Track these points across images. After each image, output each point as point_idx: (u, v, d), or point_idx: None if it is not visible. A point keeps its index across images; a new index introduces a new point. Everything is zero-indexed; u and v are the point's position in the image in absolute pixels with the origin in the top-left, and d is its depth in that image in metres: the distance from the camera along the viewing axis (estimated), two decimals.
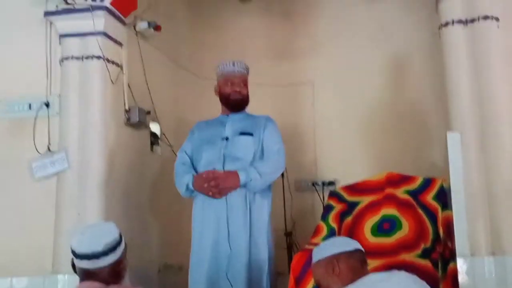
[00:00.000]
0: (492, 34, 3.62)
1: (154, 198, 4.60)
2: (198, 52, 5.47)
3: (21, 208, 3.93)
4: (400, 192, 3.84)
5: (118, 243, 2.44)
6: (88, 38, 4.02)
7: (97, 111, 3.97)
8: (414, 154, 4.82)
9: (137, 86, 4.39)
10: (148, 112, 4.45)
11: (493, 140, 3.48)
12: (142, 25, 4.51)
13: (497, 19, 3.61)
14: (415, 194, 3.81)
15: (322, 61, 5.36)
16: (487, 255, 3.35)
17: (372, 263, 2.78)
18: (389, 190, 3.87)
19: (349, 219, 3.86)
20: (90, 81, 4.01)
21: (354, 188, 4.05)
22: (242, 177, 3.70)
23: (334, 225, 3.86)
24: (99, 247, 2.37)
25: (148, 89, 4.52)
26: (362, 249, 2.65)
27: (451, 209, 3.43)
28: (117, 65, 4.18)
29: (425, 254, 3.49)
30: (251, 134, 3.87)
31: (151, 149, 4.69)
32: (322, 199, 4.86)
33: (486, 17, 3.60)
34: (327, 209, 4.02)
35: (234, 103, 3.97)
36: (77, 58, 4.02)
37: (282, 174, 4.73)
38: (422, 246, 3.54)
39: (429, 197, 3.75)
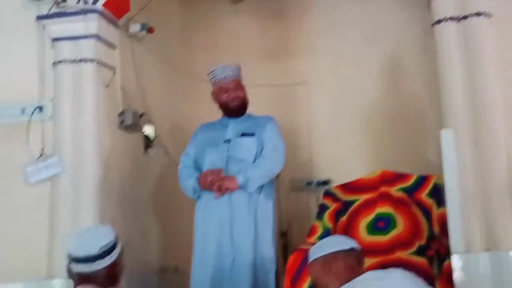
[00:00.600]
0: (485, 30, 3.62)
1: (149, 200, 4.60)
2: (191, 54, 5.46)
3: (15, 213, 3.91)
4: (395, 190, 3.86)
5: (114, 246, 2.44)
6: (81, 41, 4.01)
7: (90, 115, 3.96)
8: (409, 152, 4.82)
9: (130, 89, 4.38)
10: (142, 115, 4.44)
11: (487, 136, 3.48)
12: (135, 28, 4.50)
13: (489, 15, 3.62)
14: (409, 191, 3.82)
15: (316, 60, 5.36)
16: (482, 251, 3.35)
17: (367, 261, 2.78)
18: (383, 188, 3.89)
19: (344, 218, 3.87)
20: (83, 85, 4.00)
21: (349, 187, 4.06)
22: (240, 179, 3.72)
23: (329, 224, 3.87)
24: (95, 250, 2.37)
25: (142, 91, 4.51)
26: (359, 247, 2.66)
27: (445, 206, 3.45)
28: (110, 68, 4.17)
29: (420, 252, 3.50)
30: (252, 135, 3.90)
31: (145, 151, 4.68)
32: (317, 199, 4.85)
33: (478, 14, 3.60)
34: (322, 208, 4.03)
35: (235, 109, 4.00)
36: (70, 61, 4.01)
37: (277, 174, 4.73)
38: (417, 243, 3.55)
39: (424, 195, 3.77)
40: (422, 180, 3.86)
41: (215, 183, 3.73)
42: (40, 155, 3.93)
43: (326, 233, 3.76)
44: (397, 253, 3.51)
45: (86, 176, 3.89)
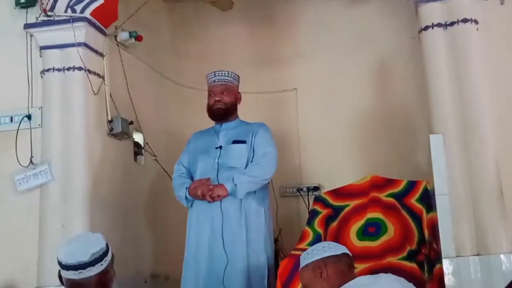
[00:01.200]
0: (472, 36, 3.65)
1: (140, 208, 4.59)
2: (180, 61, 5.46)
3: (4, 222, 3.90)
4: (385, 196, 3.87)
5: (105, 253, 2.43)
6: (69, 50, 4.01)
7: (79, 122, 3.95)
8: (399, 158, 4.83)
9: (119, 97, 4.37)
10: (131, 122, 4.43)
11: (476, 141, 3.50)
12: (123, 36, 4.50)
13: (476, 21, 3.64)
14: (399, 197, 3.84)
15: (305, 67, 5.37)
16: (472, 256, 3.36)
17: (358, 267, 2.80)
18: (373, 194, 3.90)
19: (334, 223, 3.87)
20: (72, 93, 3.99)
21: (339, 193, 4.07)
22: (228, 186, 3.72)
23: (320, 230, 3.87)
24: (85, 257, 2.36)
25: (131, 99, 4.51)
26: (350, 253, 2.67)
27: (435, 210, 3.46)
28: (99, 76, 4.17)
29: (410, 257, 3.51)
30: (244, 142, 3.89)
31: (135, 159, 4.67)
32: (307, 205, 4.86)
33: (465, 20, 3.63)
34: (313, 214, 4.03)
35: (217, 113, 3.99)
36: (58, 69, 4.01)
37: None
38: (408, 248, 3.56)
39: (414, 200, 3.78)
40: (411, 185, 3.87)
41: (206, 194, 3.73)
42: (29, 164, 3.92)
43: (317, 239, 3.76)
44: (388, 258, 3.52)
45: (75, 184, 3.87)
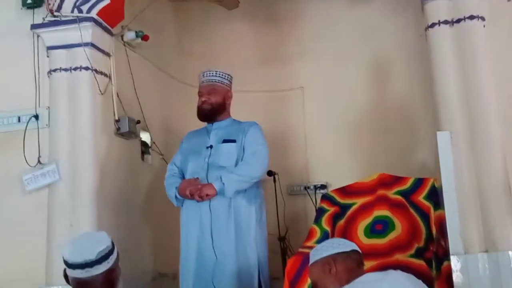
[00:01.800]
0: (478, 33, 3.64)
1: (147, 207, 4.59)
2: (186, 60, 5.47)
3: (12, 222, 3.91)
4: (392, 193, 3.86)
5: (111, 251, 2.43)
6: (76, 50, 4.02)
7: (86, 122, 3.97)
8: (405, 156, 4.83)
9: (126, 96, 4.38)
10: (138, 122, 4.45)
11: (483, 138, 3.49)
12: (129, 35, 4.52)
13: (482, 18, 3.64)
14: (407, 194, 3.83)
15: (311, 65, 5.38)
16: (481, 252, 3.35)
17: (366, 264, 2.78)
18: (381, 192, 3.89)
19: (342, 221, 3.87)
20: (79, 92, 4.00)
21: (346, 191, 4.07)
22: (216, 185, 3.72)
23: (327, 228, 3.87)
24: (92, 255, 2.36)
25: (138, 98, 4.52)
26: (359, 250, 2.67)
27: (443, 208, 3.46)
28: (106, 75, 4.18)
29: (418, 254, 3.51)
30: (234, 141, 3.88)
31: (142, 158, 4.68)
32: (314, 203, 4.86)
33: (472, 17, 3.62)
34: (320, 212, 4.03)
35: (203, 113, 3.99)
36: (65, 69, 4.02)
37: (274, 179, 4.73)
38: (416, 246, 3.55)
39: (421, 197, 3.77)
40: (419, 183, 3.86)
41: (195, 194, 3.73)
42: (37, 163, 3.93)
43: (324, 237, 3.76)
44: (396, 255, 3.52)
45: (83, 183, 3.89)
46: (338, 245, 2.63)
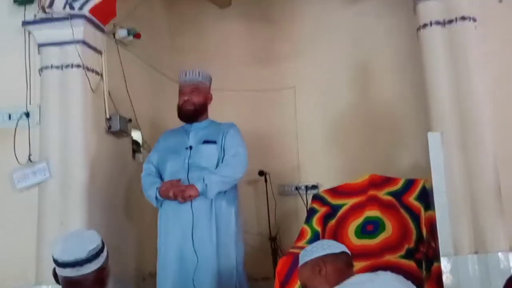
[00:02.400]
0: (470, 34, 3.66)
1: (138, 205, 4.57)
2: (178, 58, 5.45)
3: (2, 219, 3.89)
4: (383, 194, 3.87)
5: (101, 250, 2.42)
6: (67, 47, 3.99)
7: (78, 120, 3.95)
8: (396, 156, 4.83)
9: (117, 94, 4.36)
10: (130, 120, 4.43)
11: (474, 139, 3.51)
12: (121, 33, 4.49)
13: (474, 19, 3.65)
14: (397, 195, 3.84)
15: (303, 65, 5.37)
16: (471, 254, 3.37)
17: (356, 265, 2.79)
18: (372, 192, 3.90)
19: (332, 221, 3.88)
20: (70, 90, 3.98)
21: (337, 191, 4.07)
22: (199, 186, 3.71)
23: (318, 228, 3.87)
24: (83, 254, 2.35)
25: (129, 96, 4.50)
26: (348, 251, 2.67)
27: (433, 209, 3.47)
28: (97, 73, 4.16)
29: (409, 255, 3.51)
30: (214, 142, 3.88)
31: (133, 157, 4.66)
32: (305, 203, 4.86)
33: (463, 18, 3.64)
34: (311, 212, 4.03)
35: (185, 113, 3.98)
36: (57, 67, 4.00)
37: (265, 179, 4.73)
38: (406, 246, 3.56)
39: (412, 198, 3.78)
40: (410, 184, 3.87)
41: (178, 195, 3.73)
42: (27, 161, 3.91)
43: (315, 237, 3.76)
44: (386, 256, 3.52)
45: (74, 181, 3.87)
46: (328, 246, 2.63)
